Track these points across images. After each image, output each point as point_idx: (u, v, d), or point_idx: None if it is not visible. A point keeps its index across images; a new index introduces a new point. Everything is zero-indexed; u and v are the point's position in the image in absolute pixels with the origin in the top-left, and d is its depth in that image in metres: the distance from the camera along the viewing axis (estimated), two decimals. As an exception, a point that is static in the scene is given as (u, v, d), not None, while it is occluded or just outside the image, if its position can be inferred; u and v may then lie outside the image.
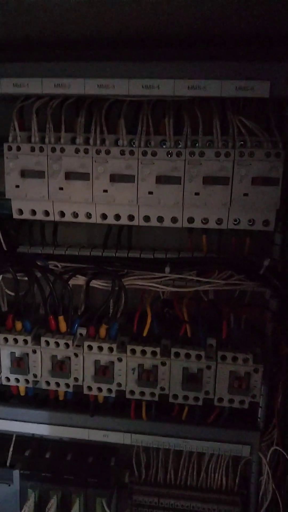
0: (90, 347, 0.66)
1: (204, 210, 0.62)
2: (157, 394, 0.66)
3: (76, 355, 0.67)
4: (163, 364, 0.65)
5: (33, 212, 0.66)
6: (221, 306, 0.67)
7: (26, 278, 0.68)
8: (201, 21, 0.54)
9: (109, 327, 0.67)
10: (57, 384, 0.69)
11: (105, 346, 0.66)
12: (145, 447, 0.78)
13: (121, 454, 0.81)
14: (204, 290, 0.68)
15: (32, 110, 0.63)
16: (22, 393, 0.72)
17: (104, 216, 0.65)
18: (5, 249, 0.71)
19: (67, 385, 0.68)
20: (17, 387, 0.71)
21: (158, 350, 0.65)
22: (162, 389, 0.66)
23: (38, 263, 0.69)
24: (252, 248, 0.66)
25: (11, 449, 0.78)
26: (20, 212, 0.66)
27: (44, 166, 0.63)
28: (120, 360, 0.66)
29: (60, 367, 0.67)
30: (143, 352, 0.65)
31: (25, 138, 0.64)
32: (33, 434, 0.80)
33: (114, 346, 0.66)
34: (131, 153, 0.61)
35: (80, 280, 0.69)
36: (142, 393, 0.66)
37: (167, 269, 0.66)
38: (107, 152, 0.62)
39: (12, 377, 0.69)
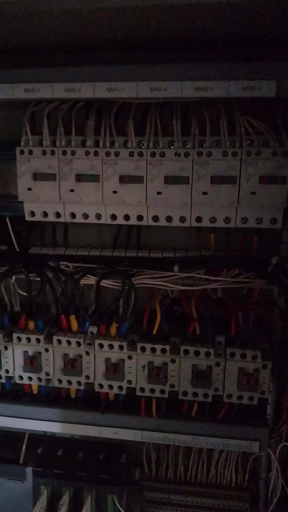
0: (101, 345, 0.68)
1: (212, 209, 0.63)
2: (167, 391, 0.67)
3: (87, 353, 0.68)
4: (173, 361, 0.66)
5: (45, 214, 0.67)
6: (229, 304, 0.68)
7: (38, 279, 0.70)
8: (207, 24, 0.55)
9: (119, 325, 0.69)
10: (69, 382, 0.70)
11: (116, 344, 0.67)
12: (155, 444, 0.79)
13: (132, 451, 0.82)
14: (213, 288, 0.68)
15: (43, 114, 0.65)
16: (35, 392, 0.73)
17: (113, 217, 0.66)
18: (17, 250, 0.73)
19: (79, 383, 0.70)
20: (30, 385, 0.72)
21: (167, 347, 0.66)
22: (172, 386, 0.67)
23: (50, 264, 0.71)
24: (260, 246, 0.67)
25: (24, 446, 0.79)
26: (32, 214, 0.68)
27: (55, 168, 0.65)
28: (130, 357, 0.67)
29: (71, 365, 0.69)
30: (153, 350, 0.66)
31: (37, 142, 0.66)
32: (45, 432, 0.82)
33: (124, 344, 0.67)
34: (140, 154, 0.62)
35: (90, 280, 0.71)
36: (152, 390, 0.68)
37: (176, 268, 0.67)
38: (117, 154, 0.63)
39: (25, 375, 0.71)
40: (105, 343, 0.67)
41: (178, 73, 0.59)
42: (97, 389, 0.69)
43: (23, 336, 0.69)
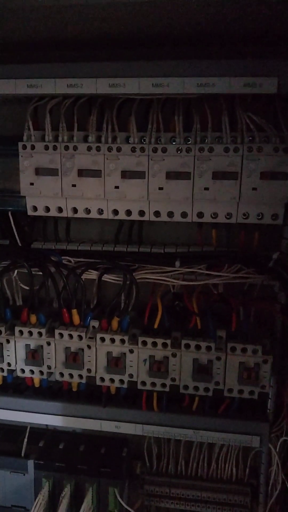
0: (102, 339, 0.68)
1: (214, 205, 0.64)
2: (168, 385, 0.68)
3: (89, 347, 0.69)
4: (174, 355, 0.66)
5: (47, 209, 0.68)
6: (230, 299, 0.68)
7: (41, 273, 0.70)
8: (209, 20, 0.55)
9: (121, 319, 0.69)
10: (71, 376, 0.70)
11: (117, 338, 0.68)
12: (156, 438, 0.79)
13: (133, 445, 0.83)
14: (214, 283, 0.69)
15: (45, 110, 0.65)
16: (37, 385, 0.74)
17: (115, 212, 0.67)
18: (20, 245, 0.73)
19: (80, 376, 0.70)
20: (32, 378, 0.73)
21: (168, 341, 0.66)
22: (173, 380, 0.67)
23: (52, 258, 0.71)
24: (261, 242, 0.67)
25: (25, 440, 0.80)
26: (35, 209, 0.68)
27: (58, 164, 0.65)
28: (131, 351, 0.68)
29: (73, 358, 0.69)
30: (154, 344, 0.67)
31: (39, 137, 0.66)
32: (47, 425, 0.83)
33: (126, 338, 0.67)
34: (142, 150, 0.63)
35: (92, 274, 0.71)
36: (153, 384, 0.68)
37: (177, 263, 0.68)
38: (119, 150, 0.63)
39: (27, 369, 0.72)
40: (107, 337, 0.68)
41: (180, 69, 0.59)
42: (98, 382, 0.70)
43: (25, 330, 0.70)
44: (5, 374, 0.73)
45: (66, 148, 0.65)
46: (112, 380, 0.69)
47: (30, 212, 0.69)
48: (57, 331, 0.69)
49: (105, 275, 0.71)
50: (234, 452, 0.78)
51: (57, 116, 0.65)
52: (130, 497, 0.82)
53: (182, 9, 0.52)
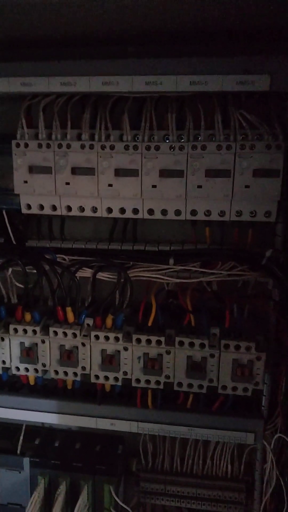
0: (97, 337, 0.68)
1: (207, 203, 0.64)
2: (162, 382, 0.68)
3: (83, 344, 0.69)
4: (168, 352, 0.67)
5: (41, 207, 0.68)
6: (224, 296, 0.69)
7: (35, 271, 0.70)
8: (202, 18, 0.55)
9: (115, 317, 0.69)
10: (65, 373, 0.71)
11: (112, 335, 0.68)
12: (152, 436, 0.80)
13: (128, 442, 0.83)
14: (208, 281, 0.69)
15: (39, 108, 0.65)
16: (32, 383, 0.74)
17: (109, 210, 0.67)
18: (14, 243, 0.73)
19: (75, 374, 0.70)
20: (27, 376, 0.73)
21: (162, 339, 0.67)
22: (167, 377, 0.67)
23: (46, 256, 0.71)
24: (254, 239, 0.67)
25: (21, 437, 0.80)
26: (29, 207, 0.68)
27: (51, 162, 0.65)
28: (126, 349, 0.68)
29: (68, 356, 0.69)
30: (148, 341, 0.67)
31: (33, 135, 0.66)
32: (42, 423, 0.83)
33: (120, 335, 0.68)
34: (135, 148, 0.63)
35: (87, 272, 0.71)
36: (148, 381, 0.68)
37: (171, 261, 0.68)
38: (112, 148, 0.64)
39: (22, 366, 0.72)
40: (101, 334, 0.68)
41: (173, 67, 0.59)
42: (93, 380, 0.70)
43: (20, 328, 0.70)
44: (0, 372, 0.73)
45: (60, 146, 0.65)
46: (106, 378, 0.70)
47: (24, 210, 0.69)
48: (51, 329, 0.69)
49: (99, 273, 0.71)
50: (229, 449, 0.78)
51: (50, 114, 0.65)
52: (125, 494, 0.82)
53: (175, 7, 0.52)
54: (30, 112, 0.67)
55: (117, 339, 0.68)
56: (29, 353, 0.70)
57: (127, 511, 0.77)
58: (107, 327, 0.70)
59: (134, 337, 0.67)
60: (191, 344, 0.66)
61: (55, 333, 0.69)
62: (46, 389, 0.77)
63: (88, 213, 0.67)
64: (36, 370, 0.71)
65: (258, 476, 0.75)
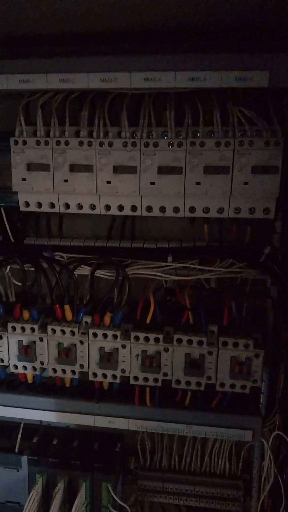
0: (95, 335, 0.68)
1: (205, 200, 0.64)
2: (160, 379, 0.68)
3: (81, 342, 0.69)
4: (166, 350, 0.67)
5: (39, 205, 0.68)
6: (222, 293, 0.69)
7: (33, 269, 0.70)
8: (201, 14, 0.55)
9: (113, 315, 0.69)
10: (64, 371, 0.70)
11: (110, 333, 0.68)
12: (150, 433, 0.79)
13: (126, 440, 0.83)
14: (206, 278, 0.69)
15: (37, 105, 0.65)
16: (30, 381, 0.74)
17: (107, 207, 0.67)
18: (12, 240, 0.73)
19: (73, 372, 0.70)
20: (25, 374, 0.73)
21: (161, 336, 0.66)
22: (165, 374, 0.67)
23: (45, 254, 0.71)
24: (253, 237, 0.67)
25: (19, 435, 0.80)
26: (27, 204, 0.68)
27: (49, 159, 0.65)
28: (124, 346, 0.68)
29: (66, 354, 0.69)
30: (146, 339, 0.67)
31: (31, 133, 0.66)
32: (40, 421, 0.83)
33: (118, 333, 0.67)
34: (134, 144, 0.63)
35: (85, 270, 0.71)
36: (146, 379, 0.68)
37: (170, 258, 0.68)
38: (110, 144, 0.63)
39: (20, 364, 0.72)
40: (99, 332, 0.68)
41: (171, 63, 0.59)
42: (91, 378, 0.70)
43: (18, 326, 0.70)
44: (-2, 369, 0.73)
45: (58, 143, 0.64)
46: (104, 376, 0.69)
47: (22, 208, 0.68)
48: (49, 327, 0.69)
49: (97, 270, 0.71)
50: (227, 446, 0.78)
51: (48, 111, 0.65)
52: (123, 492, 0.82)
53: (174, 3, 0.52)
54: (29, 109, 0.67)
55: (115, 336, 0.68)
56: (27, 351, 0.70)
57: (125, 508, 0.77)
58: (105, 324, 0.69)
59: (132, 334, 0.67)
60: (189, 342, 0.66)
61: (53, 331, 0.69)
62: (44, 387, 0.76)
63: (86, 210, 0.67)
64: (34, 368, 0.71)
65: (256, 473, 0.75)
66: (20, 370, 0.72)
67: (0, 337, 0.71)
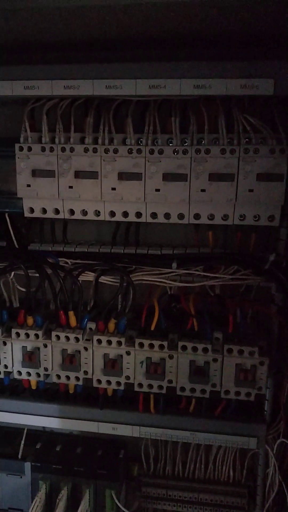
0: (99, 341, 0.68)
1: (210, 207, 0.64)
2: (164, 386, 0.68)
3: (85, 349, 0.69)
4: (171, 357, 0.66)
5: (44, 211, 0.68)
6: (227, 300, 0.69)
7: (37, 275, 0.70)
8: (206, 22, 0.55)
9: (117, 321, 0.69)
10: (67, 378, 0.70)
11: (114, 340, 0.67)
12: (154, 440, 0.79)
13: (130, 447, 0.83)
14: (211, 285, 0.69)
15: (42, 111, 0.65)
16: (34, 387, 0.74)
17: (112, 214, 0.67)
18: (16, 246, 0.73)
19: (77, 378, 0.70)
20: (29, 380, 0.73)
21: (165, 343, 0.66)
22: (170, 381, 0.67)
23: (49, 260, 0.71)
24: (257, 244, 0.67)
25: (22, 442, 0.80)
26: (31, 210, 0.68)
27: (54, 165, 0.65)
28: (128, 353, 0.67)
29: (70, 360, 0.69)
30: (151, 346, 0.67)
31: (36, 139, 0.66)
32: (44, 427, 0.82)
33: (122, 340, 0.67)
34: (139, 151, 0.63)
35: (89, 276, 0.71)
36: (150, 386, 0.68)
37: (174, 265, 0.68)
38: (115, 151, 0.63)
39: (24, 370, 0.71)
40: (104, 339, 0.68)
41: (176, 71, 0.59)
42: (95, 384, 0.70)
43: (22, 332, 0.70)
44: (1, 376, 0.73)
45: (63, 149, 0.64)
46: (109, 382, 0.69)
47: (27, 214, 0.68)
48: (54, 333, 0.69)
49: (102, 276, 0.70)
50: (231, 453, 0.78)
51: (54, 117, 0.65)
52: (127, 499, 0.82)
53: (179, 11, 0.52)
54: (34, 116, 0.67)
55: (119, 343, 0.68)
56: (31, 357, 0.70)
57: (128, 516, 0.76)
58: (110, 331, 0.69)
59: (137, 341, 0.67)
60: (194, 349, 0.66)
61: (57, 337, 0.69)
62: (48, 393, 0.76)
63: (91, 216, 0.67)
64: (38, 375, 0.71)
65: (260, 481, 0.74)
66: (24, 376, 0.72)
67: (4, 343, 0.71)
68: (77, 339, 0.69)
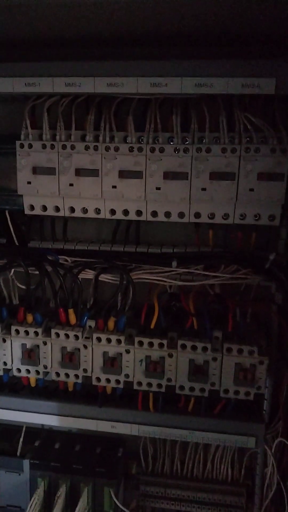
0: (99, 339, 0.68)
1: (211, 205, 0.64)
2: (164, 385, 0.68)
3: (85, 346, 0.68)
4: (170, 355, 0.66)
5: (44, 208, 0.68)
6: (227, 299, 0.68)
7: (37, 272, 0.70)
8: (208, 20, 0.55)
9: (117, 319, 0.69)
10: (67, 375, 0.70)
11: (114, 338, 0.67)
12: (152, 439, 0.79)
13: (129, 445, 0.83)
14: (211, 284, 0.69)
15: (43, 108, 0.65)
16: (33, 384, 0.74)
17: (112, 212, 0.66)
18: (17, 244, 0.73)
19: (76, 376, 0.70)
20: (28, 378, 0.73)
21: (165, 342, 0.66)
22: (169, 380, 0.67)
23: (49, 258, 0.71)
24: (258, 243, 0.67)
25: (21, 439, 0.80)
26: (32, 208, 0.68)
27: (55, 163, 0.65)
28: (128, 351, 0.67)
29: (69, 358, 0.69)
30: (151, 344, 0.67)
31: (37, 136, 0.66)
32: (42, 425, 0.82)
33: (122, 338, 0.67)
34: (140, 149, 0.63)
35: (89, 274, 0.71)
36: (149, 384, 0.68)
37: (174, 264, 0.68)
38: (116, 149, 0.63)
39: (23, 368, 0.71)
40: (103, 337, 0.68)
41: (178, 69, 0.59)
42: (94, 382, 0.70)
43: (21, 329, 0.70)
44: (1, 373, 0.73)
45: (64, 147, 0.64)
46: (108, 380, 0.69)
47: (27, 211, 0.68)
48: (53, 331, 0.69)
49: (102, 275, 0.70)
50: (229, 452, 0.78)
51: (54, 115, 0.65)
52: (125, 497, 0.82)
53: (181, 9, 0.52)
54: (35, 113, 0.67)
55: (119, 341, 0.67)
56: (30, 355, 0.70)
57: (127, 514, 0.76)
58: (109, 329, 0.69)
59: (136, 339, 0.67)
60: (194, 348, 0.66)
61: (57, 335, 0.69)
62: (47, 391, 0.76)
63: (91, 214, 0.67)
64: (37, 372, 0.71)
65: (258, 480, 0.74)
66: (23, 373, 0.72)
67: (3, 340, 0.71)
68: (76, 337, 0.69)
